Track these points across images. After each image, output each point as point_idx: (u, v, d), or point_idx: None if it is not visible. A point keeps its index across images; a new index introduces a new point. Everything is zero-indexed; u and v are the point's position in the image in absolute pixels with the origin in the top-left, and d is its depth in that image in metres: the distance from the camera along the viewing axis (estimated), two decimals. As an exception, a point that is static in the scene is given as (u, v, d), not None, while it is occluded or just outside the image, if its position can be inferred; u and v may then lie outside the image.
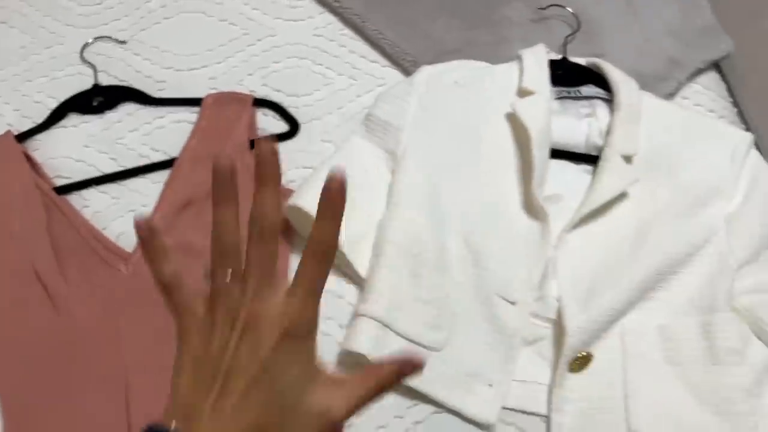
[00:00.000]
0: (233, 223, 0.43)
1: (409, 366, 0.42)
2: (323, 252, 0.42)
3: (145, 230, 0.43)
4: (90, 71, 1.06)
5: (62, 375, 0.80)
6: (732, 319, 0.82)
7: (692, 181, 0.92)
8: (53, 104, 1.02)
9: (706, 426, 0.78)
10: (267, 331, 0.40)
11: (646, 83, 1.06)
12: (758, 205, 0.91)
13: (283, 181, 0.97)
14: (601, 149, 0.94)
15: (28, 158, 0.94)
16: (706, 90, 1.11)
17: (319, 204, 0.41)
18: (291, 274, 0.42)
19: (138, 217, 0.43)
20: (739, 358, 0.80)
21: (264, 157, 0.42)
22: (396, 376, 0.42)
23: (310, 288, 0.42)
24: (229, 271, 0.42)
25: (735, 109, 1.12)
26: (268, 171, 0.42)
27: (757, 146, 1.11)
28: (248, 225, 0.42)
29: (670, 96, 1.07)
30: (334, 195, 0.41)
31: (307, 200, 0.86)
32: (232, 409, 0.39)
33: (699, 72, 1.11)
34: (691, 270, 0.87)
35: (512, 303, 0.85)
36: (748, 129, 1.14)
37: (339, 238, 0.42)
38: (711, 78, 1.13)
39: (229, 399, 0.39)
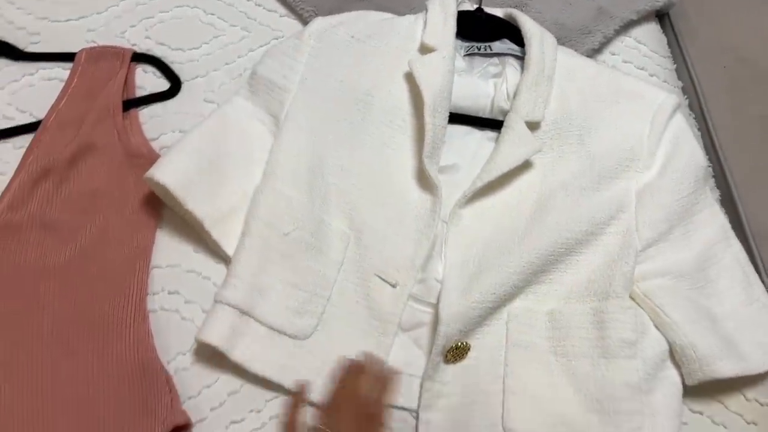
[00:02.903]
0: None
1: None
2: None
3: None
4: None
5: None
6: (627, 308, 0.75)
7: (605, 149, 0.83)
8: None
9: (587, 426, 0.71)
10: None
11: (568, 37, 0.96)
12: (675, 178, 0.81)
13: (157, 146, 0.89)
14: (506, 113, 0.85)
15: None
16: (638, 44, 1.00)
17: None
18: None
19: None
20: (631, 351, 0.73)
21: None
22: None
23: None
24: None
25: (673, 65, 1.02)
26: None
27: (695, 106, 1.01)
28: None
29: (594, 52, 0.97)
30: None
31: (166, 173, 0.77)
32: None
33: (632, 23, 1.00)
34: (591, 250, 0.79)
35: (392, 285, 0.78)
36: (690, 82, 1.03)
37: None
38: (647, 30, 1.02)
39: None
